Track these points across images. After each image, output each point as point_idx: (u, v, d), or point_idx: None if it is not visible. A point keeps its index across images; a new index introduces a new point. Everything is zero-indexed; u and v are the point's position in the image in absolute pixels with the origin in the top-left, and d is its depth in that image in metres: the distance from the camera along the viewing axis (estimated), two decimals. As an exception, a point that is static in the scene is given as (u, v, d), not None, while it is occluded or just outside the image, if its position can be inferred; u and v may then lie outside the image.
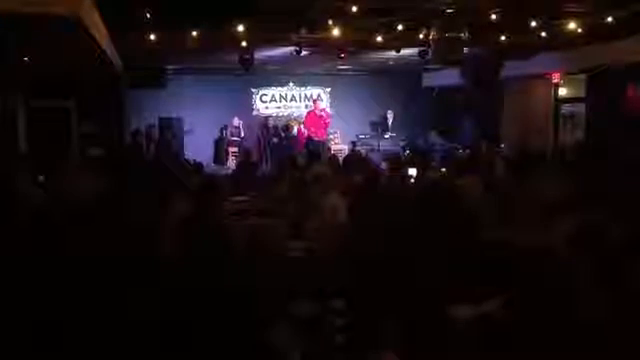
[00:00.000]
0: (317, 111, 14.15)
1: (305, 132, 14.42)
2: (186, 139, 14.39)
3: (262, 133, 15.17)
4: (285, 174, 6.87)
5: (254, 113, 16.42)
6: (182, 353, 2.35)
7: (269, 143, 14.78)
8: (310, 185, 5.94)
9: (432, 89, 16.24)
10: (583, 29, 9.01)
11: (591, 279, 2.03)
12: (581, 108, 12.37)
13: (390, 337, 2.52)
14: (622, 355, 2.09)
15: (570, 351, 1.99)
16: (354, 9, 7.72)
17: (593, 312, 2.00)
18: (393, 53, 11.26)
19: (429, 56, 10.68)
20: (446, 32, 9.52)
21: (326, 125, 14.17)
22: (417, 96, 16.30)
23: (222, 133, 14.77)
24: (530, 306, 2.03)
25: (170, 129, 13.90)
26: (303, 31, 9.05)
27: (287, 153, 12.24)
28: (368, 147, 14.56)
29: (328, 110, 15.23)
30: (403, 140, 15.22)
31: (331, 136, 15.34)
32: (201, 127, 14.55)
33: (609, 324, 2.04)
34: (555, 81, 12.79)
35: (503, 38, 10.07)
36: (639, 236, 2.99)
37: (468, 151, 13.51)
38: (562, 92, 13.00)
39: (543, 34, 9.57)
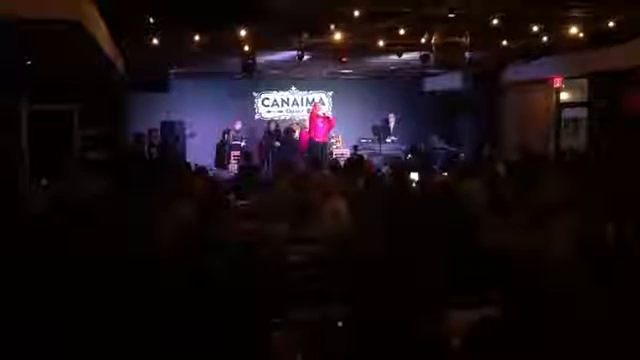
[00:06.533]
0: (318, 112, 14.20)
1: (307, 132, 14.48)
2: (188, 143, 14.40)
3: (264, 137, 15.19)
4: (281, 177, 6.87)
5: (256, 117, 16.45)
6: (181, 354, 2.35)
7: (271, 147, 14.79)
8: (312, 189, 5.95)
9: (433, 93, 16.26)
10: (584, 33, 9.02)
11: (589, 279, 2.03)
12: (583, 112, 12.36)
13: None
14: (621, 355, 2.09)
15: (570, 352, 1.99)
16: (356, 13, 7.72)
17: (592, 312, 2.00)
18: (395, 57, 11.27)
19: (431, 60, 10.69)
20: (448, 37, 9.53)
21: (329, 128, 14.22)
22: (419, 100, 16.32)
23: (224, 137, 14.79)
24: (529, 308, 2.03)
25: (172, 133, 13.92)
26: (305, 36, 9.07)
27: (289, 157, 12.27)
28: (370, 151, 14.56)
29: (329, 114, 15.26)
30: (405, 144, 15.22)
31: (333, 140, 15.36)
32: (203, 131, 14.56)
33: (608, 324, 2.04)
34: (557, 85, 12.79)
35: (505, 43, 10.08)
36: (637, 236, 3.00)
37: (470, 155, 13.54)
38: (564, 96, 13.00)
39: (544, 39, 9.58)
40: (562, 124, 12.98)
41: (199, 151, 13.84)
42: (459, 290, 2.96)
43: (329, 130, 14.44)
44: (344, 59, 11.17)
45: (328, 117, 14.41)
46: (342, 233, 4.72)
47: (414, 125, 15.78)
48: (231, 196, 7.13)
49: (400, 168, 8.42)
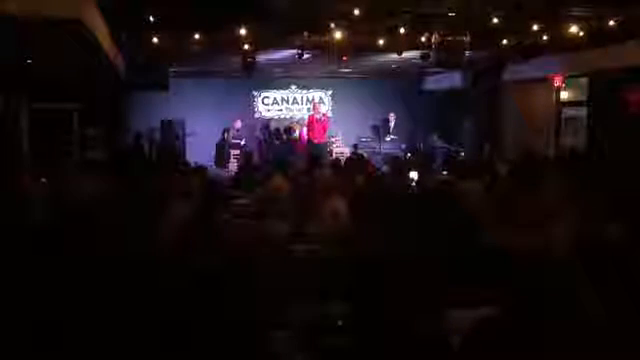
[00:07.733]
0: (317, 115, 14.14)
1: (305, 135, 14.47)
2: (188, 142, 14.41)
3: (264, 136, 15.18)
4: (276, 176, 6.85)
5: (256, 116, 16.45)
6: (181, 354, 2.35)
7: (271, 146, 14.78)
8: (312, 188, 5.95)
9: (433, 93, 16.27)
10: (585, 32, 9.02)
11: (589, 279, 2.03)
12: (583, 112, 12.36)
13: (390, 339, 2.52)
14: (621, 355, 2.09)
15: (570, 352, 1.99)
16: (356, 12, 7.72)
17: (592, 313, 2.00)
18: (395, 56, 11.27)
19: (431, 59, 10.69)
20: (448, 35, 9.53)
21: (325, 128, 14.17)
22: (419, 99, 16.32)
23: (224, 136, 14.79)
24: (529, 308, 2.03)
25: (172, 132, 13.91)
26: (305, 34, 9.07)
27: (289, 156, 12.25)
28: (370, 150, 14.57)
29: (329, 114, 15.24)
30: (405, 143, 15.23)
31: (333, 139, 15.35)
32: (203, 130, 14.57)
33: (609, 325, 2.04)
34: (557, 84, 12.78)
35: (505, 42, 10.08)
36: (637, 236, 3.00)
37: (470, 155, 13.55)
38: (564, 95, 12.99)
39: (545, 37, 9.58)
40: (562, 123, 12.97)
41: (199, 150, 13.84)
42: (459, 289, 2.97)
43: (325, 131, 14.38)
44: (344, 58, 11.17)
45: (321, 119, 14.13)
46: (342, 232, 4.73)
47: (414, 124, 15.79)
48: (231, 195, 7.13)
49: (400, 167, 8.42)
